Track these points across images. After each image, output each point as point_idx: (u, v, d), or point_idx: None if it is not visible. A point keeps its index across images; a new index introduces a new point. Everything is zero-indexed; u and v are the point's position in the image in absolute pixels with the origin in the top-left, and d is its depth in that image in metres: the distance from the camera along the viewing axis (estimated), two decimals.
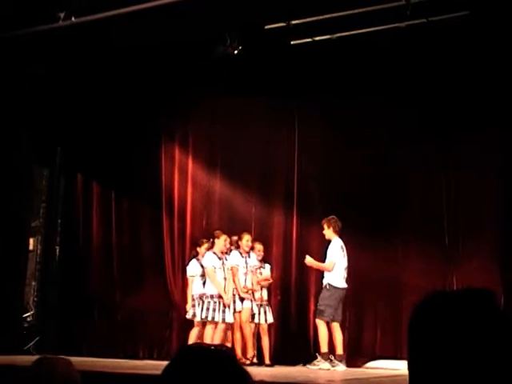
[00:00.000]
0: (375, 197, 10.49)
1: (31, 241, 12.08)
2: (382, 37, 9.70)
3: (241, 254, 10.25)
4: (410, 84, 10.30)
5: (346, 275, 9.68)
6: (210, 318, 9.63)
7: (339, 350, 9.32)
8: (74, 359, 2.64)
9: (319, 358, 9.37)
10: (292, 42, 10.27)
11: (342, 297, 9.58)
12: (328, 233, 9.78)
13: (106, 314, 11.76)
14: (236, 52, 10.38)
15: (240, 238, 10.32)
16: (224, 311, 9.69)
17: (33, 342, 11.31)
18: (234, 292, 10.03)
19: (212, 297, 9.75)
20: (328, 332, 9.44)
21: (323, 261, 9.76)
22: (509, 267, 9.93)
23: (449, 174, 10.35)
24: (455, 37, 9.59)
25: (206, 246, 10.32)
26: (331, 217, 9.88)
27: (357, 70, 10.40)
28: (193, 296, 10.07)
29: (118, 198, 12.13)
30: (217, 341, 9.46)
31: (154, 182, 11.89)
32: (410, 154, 10.48)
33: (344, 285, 9.63)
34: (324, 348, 9.35)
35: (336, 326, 9.44)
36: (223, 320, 9.67)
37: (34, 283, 12.03)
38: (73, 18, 9.23)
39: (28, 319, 11.83)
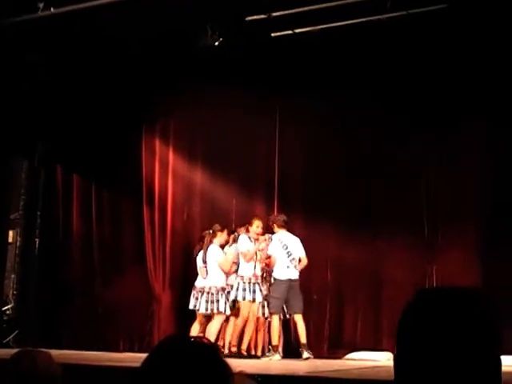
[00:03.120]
0: (356, 189, 10.53)
1: (10, 233, 12.03)
2: (363, 29, 9.71)
3: (249, 238, 10.04)
4: (392, 78, 10.32)
5: (292, 265, 9.62)
6: (220, 310, 9.67)
7: (302, 339, 9.38)
8: (53, 352, 2.64)
9: (270, 350, 9.45)
10: (273, 34, 10.26)
11: (290, 288, 9.52)
12: (275, 230, 9.86)
13: (86, 307, 11.74)
14: (217, 43, 10.35)
15: (250, 224, 10.12)
16: (224, 301, 9.76)
17: (12, 335, 11.27)
18: (245, 280, 9.91)
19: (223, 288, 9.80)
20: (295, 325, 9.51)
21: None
22: (488, 258, 10.00)
23: (429, 166, 10.39)
24: (434, 29, 9.62)
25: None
26: (273, 215, 10.00)
27: (337, 63, 10.41)
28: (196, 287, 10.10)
29: (99, 190, 12.10)
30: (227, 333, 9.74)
31: (135, 174, 11.86)
32: (391, 148, 10.51)
33: (288, 276, 9.55)
34: (274, 341, 9.41)
35: (297, 317, 9.47)
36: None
37: (13, 276, 11.98)
38: (52, 9, 9.17)
39: (7, 312, 11.78)
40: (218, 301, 9.73)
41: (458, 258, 9.89)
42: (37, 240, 12.22)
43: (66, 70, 11.17)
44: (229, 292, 9.87)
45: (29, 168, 12.32)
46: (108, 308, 11.47)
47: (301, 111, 10.89)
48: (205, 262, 9.96)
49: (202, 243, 10.34)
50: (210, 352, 1.61)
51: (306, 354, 9.18)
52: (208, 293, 9.80)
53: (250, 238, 10.01)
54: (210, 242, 10.07)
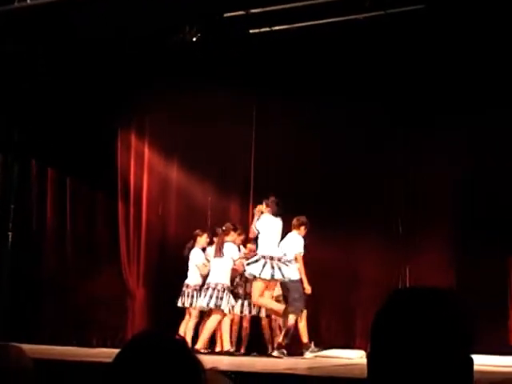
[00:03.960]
0: (331, 189, 10.55)
1: None
2: (341, 28, 9.73)
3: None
4: (369, 77, 10.35)
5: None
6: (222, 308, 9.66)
7: (304, 339, 9.49)
8: (26, 346, 2.61)
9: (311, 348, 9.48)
10: (251, 31, 10.25)
11: (283, 288, 9.61)
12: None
13: (59, 301, 11.66)
14: (194, 39, 10.33)
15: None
16: (229, 299, 9.72)
17: None
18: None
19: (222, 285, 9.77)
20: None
21: None
22: (461, 259, 10.10)
23: (405, 167, 10.45)
24: (413, 29, 9.66)
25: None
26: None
27: (315, 61, 10.43)
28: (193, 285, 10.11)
29: (73, 185, 12.02)
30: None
31: (110, 169, 11.81)
32: (368, 148, 10.55)
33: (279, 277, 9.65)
34: (305, 339, 9.49)
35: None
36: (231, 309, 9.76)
37: None
38: (28, 0, 9.10)
39: None
40: (221, 298, 9.68)
41: (431, 259, 9.98)
42: (10, 234, 12.12)
43: (44, 64, 11.07)
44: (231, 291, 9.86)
45: (3, 162, 12.20)
46: (81, 303, 11.40)
47: (278, 109, 10.90)
48: (221, 256, 9.88)
49: (193, 242, 10.35)
50: (182, 348, 1.60)
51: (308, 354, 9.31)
52: (216, 290, 9.73)
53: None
54: (223, 240, 9.99)
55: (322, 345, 9.74)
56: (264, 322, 10.15)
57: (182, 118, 11.37)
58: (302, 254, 9.53)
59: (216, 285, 9.75)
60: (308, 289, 9.39)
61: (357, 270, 10.29)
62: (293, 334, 9.35)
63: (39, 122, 12.04)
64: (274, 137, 11.03)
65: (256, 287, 9.33)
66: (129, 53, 10.65)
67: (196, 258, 10.26)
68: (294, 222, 9.74)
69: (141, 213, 11.77)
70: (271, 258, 9.22)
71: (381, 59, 10.16)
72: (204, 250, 10.43)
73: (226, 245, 9.96)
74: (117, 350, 1.63)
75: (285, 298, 9.56)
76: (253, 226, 9.62)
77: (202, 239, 10.34)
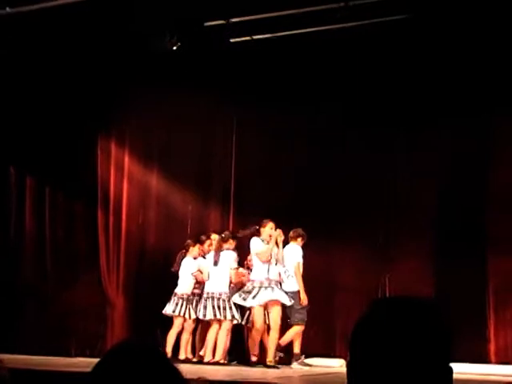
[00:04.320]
0: (311, 197, 10.58)
1: None
2: (321, 37, 9.78)
3: (262, 241, 9.64)
4: (350, 86, 10.40)
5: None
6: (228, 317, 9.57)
7: (296, 349, 9.50)
8: (3, 356, 2.59)
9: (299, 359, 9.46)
10: (231, 40, 10.27)
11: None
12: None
13: (37, 310, 11.55)
14: (175, 48, 10.33)
15: (263, 225, 9.68)
16: (231, 309, 9.60)
17: None
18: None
19: (220, 294, 9.68)
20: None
21: None
22: (441, 268, 10.16)
23: (386, 176, 10.50)
24: (394, 39, 9.74)
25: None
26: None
27: (295, 70, 10.47)
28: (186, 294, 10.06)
29: (53, 192, 11.93)
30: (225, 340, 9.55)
31: (90, 177, 11.74)
32: (348, 157, 10.59)
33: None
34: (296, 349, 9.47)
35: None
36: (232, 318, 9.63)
37: None
38: (7, 9, 9.06)
39: None
40: (224, 308, 9.60)
41: (411, 268, 10.05)
42: None
43: (24, 71, 11.01)
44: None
45: None
46: (60, 312, 11.31)
47: (258, 117, 10.92)
48: (217, 264, 9.78)
49: (185, 251, 10.29)
50: (161, 358, 1.59)
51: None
52: (216, 298, 9.64)
53: (262, 241, 9.80)
54: (221, 247, 9.91)
55: (303, 353, 9.73)
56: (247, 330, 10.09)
57: (162, 126, 11.36)
58: (300, 264, 9.53)
59: (219, 294, 9.66)
60: (304, 299, 9.39)
61: (337, 278, 10.31)
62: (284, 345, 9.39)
63: (18, 130, 11.94)
64: (254, 145, 11.05)
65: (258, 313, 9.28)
66: (109, 60, 10.63)
67: (190, 267, 10.18)
68: (291, 234, 9.74)
69: (120, 221, 11.72)
70: (267, 280, 9.21)
71: (360, 69, 10.22)
72: (195, 259, 10.38)
73: (224, 253, 9.87)
74: (96, 360, 1.62)
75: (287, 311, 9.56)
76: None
77: (195, 249, 10.27)
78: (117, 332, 11.15)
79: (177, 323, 10.08)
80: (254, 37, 10.16)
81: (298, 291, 9.45)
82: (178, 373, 1.60)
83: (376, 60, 10.09)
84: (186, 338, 10.03)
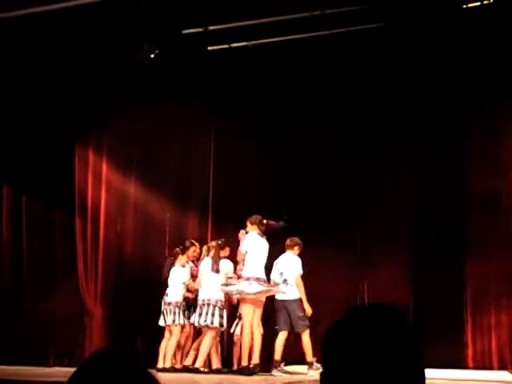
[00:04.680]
0: (290, 205, 10.55)
1: None
2: (298, 45, 9.83)
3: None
4: (328, 93, 10.45)
5: (284, 286, 9.60)
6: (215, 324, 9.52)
7: (309, 356, 9.42)
8: None
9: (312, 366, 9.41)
10: (209, 48, 10.29)
11: (279, 307, 9.53)
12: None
13: (15, 319, 11.46)
14: (153, 56, 10.33)
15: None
16: (222, 317, 9.58)
17: None
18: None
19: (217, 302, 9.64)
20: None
21: None
22: (418, 276, 10.23)
23: (364, 184, 10.54)
24: (370, 47, 9.82)
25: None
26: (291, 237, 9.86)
27: (273, 78, 10.50)
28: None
29: (30, 201, 11.86)
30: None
31: (67, 186, 11.68)
32: (325, 165, 10.61)
33: (276, 297, 9.54)
34: (309, 357, 9.40)
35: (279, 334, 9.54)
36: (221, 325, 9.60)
37: None
38: None
39: None
40: (220, 315, 9.56)
41: (389, 275, 10.10)
42: None
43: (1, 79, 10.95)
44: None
45: None
46: (38, 321, 11.23)
47: (236, 125, 10.91)
48: (217, 271, 9.71)
49: (173, 258, 10.24)
50: (138, 366, 1.59)
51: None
52: (212, 306, 9.55)
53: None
54: (219, 254, 9.82)
55: (283, 361, 9.73)
56: (236, 338, 10.05)
57: (140, 134, 11.31)
58: (301, 274, 9.55)
59: (215, 301, 9.58)
60: (308, 311, 9.39)
61: (316, 286, 10.28)
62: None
63: None
64: (233, 153, 11.03)
65: (246, 308, 9.21)
66: (88, 69, 10.60)
67: (181, 275, 10.14)
68: (288, 242, 9.71)
69: (98, 230, 11.66)
70: (257, 280, 9.10)
71: (338, 76, 10.26)
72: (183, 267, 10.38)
73: (223, 261, 9.80)
74: (73, 369, 1.62)
75: (277, 318, 9.52)
76: (240, 249, 9.42)
77: (183, 257, 10.22)
78: (95, 341, 11.09)
79: (176, 332, 10.02)
80: (232, 45, 10.19)
81: (299, 299, 9.43)
82: (154, 380, 1.60)
83: (350, 68, 10.15)
84: (175, 345, 9.97)
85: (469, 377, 9.09)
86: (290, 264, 9.58)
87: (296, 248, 9.69)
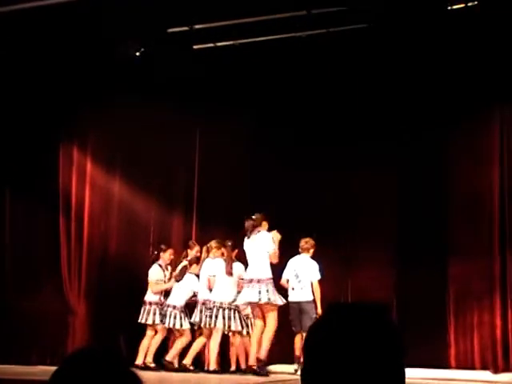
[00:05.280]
0: (275, 203, 10.57)
1: None
2: (284, 45, 9.84)
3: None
4: (314, 94, 10.47)
5: (291, 289, 9.67)
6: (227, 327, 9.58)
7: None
8: None
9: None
10: (195, 47, 10.28)
11: (295, 310, 9.55)
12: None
13: None
14: (138, 54, 10.31)
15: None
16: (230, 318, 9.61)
17: None
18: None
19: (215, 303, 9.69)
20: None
21: None
22: (401, 276, 10.28)
23: (349, 183, 10.57)
24: (354, 48, 9.85)
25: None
26: (305, 238, 9.85)
27: (259, 77, 10.50)
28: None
29: (13, 198, 11.78)
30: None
31: (51, 183, 11.62)
32: (312, 163, 10.63)
33: (294, 298, 9.59)
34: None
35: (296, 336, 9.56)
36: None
37: None
38: None
39: None
40: (224, 318, 9.63)
41: (373, 276, 10.16)
42: None
43: None
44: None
45: None
46: (20, 319, 11.16)
47: (222, 124, 10.90)
48: (231, 274, 9.70)
49: (188, 264, 10.25)
50: (120, 364, 1.59)
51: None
52: (228, 309, 9.59)
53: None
54: (231, 257, 9.81)
55: (266, 360, 9.74)
56: (233, 339, 10.03)
57: (125, 132, 11.27)
58: (319, 279, 9.61)
59: (228, 304, 9.60)
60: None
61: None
62: None
63: None
64: (218, 152, 11.04)
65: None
66: (73, 67, 10.55)
67: (192, 283, 10.19)
68: (303, 244, 9.74)
69: (82, 228, 11.61)
70: (258, 282, 9.02)
71: (324, 76, 10.29)
72: (166, 266, 10.39)
73: (236, 264, 9.79)
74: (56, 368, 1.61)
75: (292, 320, 9.56)
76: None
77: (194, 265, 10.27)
78: (78, 339, 11.04)
79: (187, 333, 10.06)
80: (218, 44, 10.19)
81: (313, 301, 9.49)
82: (136, 378, 1.60)
83: (335, 68, 10.18)
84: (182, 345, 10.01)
85: (451, 376, 9.15)
86: (308, 268, 9.64)
87: (312, 251, 9.71)
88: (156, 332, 10.25)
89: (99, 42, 9.96)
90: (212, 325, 9.56)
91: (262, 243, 9.11)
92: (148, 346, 10.14)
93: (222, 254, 9.89)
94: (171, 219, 11.61)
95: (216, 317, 9.53)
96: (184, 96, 10.84)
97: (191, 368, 9.77)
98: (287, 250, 9.64)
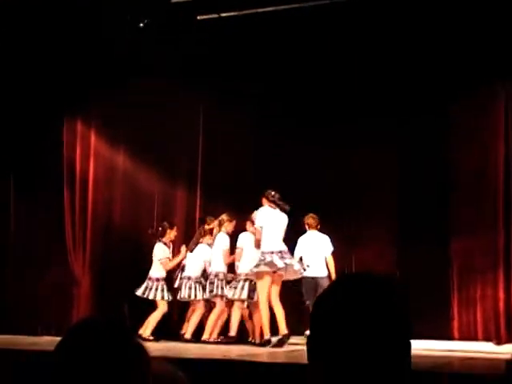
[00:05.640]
0: (278, 181, 10.52)
1: None
2: (291, 15, 9.73)
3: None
4: (320, 65, 10.39)
5: (310, 264, 9.64)
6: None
7: None
8: None
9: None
10: (198, 18, 10.20)
11: (311, 285, 9.60)
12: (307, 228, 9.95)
13: (2, 289, 11.47)
14: (142, 25, 10.24)
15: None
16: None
17: None
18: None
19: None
20: None
21: None
22: (405, 252, 10.32)
23: (350, 161, 10.55)
24: (357, 21, 9.76)
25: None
26: (310, 214, 9.92)
27: (264, 48, 10.40)
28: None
29: (17, 170, 11.80)
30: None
31: (55, 156, 11.63)
32: (313, 140, 10.60)
33: (312, 274, 9.61)
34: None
35: None
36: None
37: None
38: None
39: None
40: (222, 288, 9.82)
41: (376, 251, 10.22)
42: None
43: None
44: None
45: None
46: (26, 291, 11.23)
47: (226, 98, 10.84)
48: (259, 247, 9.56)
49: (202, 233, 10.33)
50: (126, 335, 1.59)
51: None
52: (249, 280, 9.63)
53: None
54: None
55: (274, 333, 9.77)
56: (245, 311, 10.08)
57: (128, 106, 11.24)
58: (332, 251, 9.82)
59: (245, 275, 9.62)
60: None
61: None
62: None
63: None
64: (222, 126, 10.99)
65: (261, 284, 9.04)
66: (75, 41, 10.47)
67: (206, 253, 10.22)
68: (311, 221, 9.87)
69: (87, 200, 11.64)
70: (271, 253, 8.89)
71: (331, 47, 10.18)
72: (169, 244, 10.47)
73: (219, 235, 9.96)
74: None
75: (305, 293, 9.69)
76: (256, 226, 9.21)
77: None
78: (83, 310, 11.10)
79: (201, 305, 10.14)
80: (222, 14, 10.10)
81: (328, 276, 9.66)
82: (141, 349, 1.59)
83: (337, 42, 10.08)
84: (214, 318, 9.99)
85: (454, 347, 9.19)
86: (321, 243, 9.84)
87: (318, 226, 9.85)
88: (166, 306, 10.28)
89: (103, 16, 9.87)
90: (237, 296, 9.65)
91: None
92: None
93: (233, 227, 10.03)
94: (175, 192, 11.62)
95: (242, 288, 9.60)
96: (187, 71, 10.76)
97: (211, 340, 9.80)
98: (292, 228, 9.62)
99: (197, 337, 9.87)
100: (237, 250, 9.84)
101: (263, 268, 8.84)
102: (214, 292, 9.81)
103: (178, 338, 9.96)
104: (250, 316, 9.96)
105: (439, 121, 10.29)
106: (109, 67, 10.83)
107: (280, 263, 8.76)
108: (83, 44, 10.58)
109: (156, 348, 8.12)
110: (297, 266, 9.07)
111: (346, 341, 1.43)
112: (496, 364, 6.36)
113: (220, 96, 10.82)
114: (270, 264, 8.78)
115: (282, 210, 9.10)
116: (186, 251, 10.33)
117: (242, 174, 10.79)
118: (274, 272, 8.85)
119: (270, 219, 9.03)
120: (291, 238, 9.57)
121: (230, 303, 9.89)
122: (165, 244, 10.43)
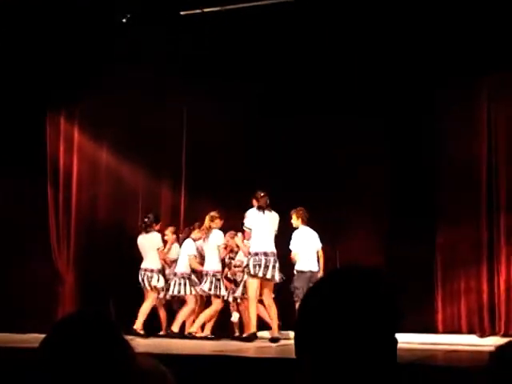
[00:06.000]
0: (264, 175, 10.53)
1: None
2: (275, 11, 9.71)
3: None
4: (305, 57, 10.37)
5: (312, 258, 9.71)
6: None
7: None
8: None
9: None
10: (181, 13, 10.17)
11: (309, 279, 9.54)
12: (296, 223, 9.83)
13: None
14: (124, 20, 10.19)
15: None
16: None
17: None
18: None
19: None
20: None
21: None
22: (390, 244, 10.35)
23: (338, 150, 10.55)
24: (343, 13, 9.75)
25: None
26: (299, 208, 9.87)
27: (247, 43, 10.39)
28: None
29: (1, 167, 11.73)
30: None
31: (39, 153, 11.58)
32: (301, 133, 10.62)
33: (309, 268, 9.64)
34: None
35: None
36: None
37: None
38: None
39: None
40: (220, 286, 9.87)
41: (360, 244, 10.24)
42: None
43: None
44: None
45: None
46: (10, 288, 11.18)
47: (210, 92, 10.81)
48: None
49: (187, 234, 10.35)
50: (111, 330, 1.59)
51: None
52: (212, 275, 9.77)
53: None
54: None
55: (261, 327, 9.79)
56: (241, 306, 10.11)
57: (111, 101, 11.17)
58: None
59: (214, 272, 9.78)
60: None
61: (288, 255, 10.31)
62: None
63: None
64: (207, 121, 10.95)
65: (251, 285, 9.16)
66: (59, 34, 10.42)
67: (188, 248, 10.25)
68: (305, 216, 9.81)
69: (70, 196, 11.61)
70: (265, 255, 9.05)
71: (314, 42, 10.17)
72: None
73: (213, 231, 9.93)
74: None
75: (298, 288, 9.55)
76: (244, 227, 9.33)
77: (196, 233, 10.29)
78: (67, 307, 11.07)
79: (190, 300, 10.15)
80: (205, 9, 10.08)
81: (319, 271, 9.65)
82: (127, 346, 1.60)
83: (322, 33, 10.06)
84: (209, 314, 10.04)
85: (439, 340, 9.25)
86: (313, 238, 9.81)
87: (307, 221, 9.85)
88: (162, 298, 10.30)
89: (86, 9, 9.83)
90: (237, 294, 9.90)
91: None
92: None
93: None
94: (159, 187, 11.60)
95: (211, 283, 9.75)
96: (171, 64, 10.72)
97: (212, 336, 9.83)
98: (282, 220, 9.63)
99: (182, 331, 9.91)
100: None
101: (256, 271, 9.01)
102: (213, 292, 9.81)
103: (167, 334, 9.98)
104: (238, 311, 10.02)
105: (427, 111, 10.29)
106: (92, 61, 10.77)
107: (269, 274, 9.03)
108: (66, 40, 10.53)
109: (145, 343, 8.14)
110: (277, 276, 9.19)
111: (334, 333, 1.43)
112: (480, 356, 6.41)
113: (205, 92, 10.78)
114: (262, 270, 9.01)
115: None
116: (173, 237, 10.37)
117: (228, 167, 10.78)
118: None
119: (259, 220, 9.11)
120: (283, 232, 9.62)
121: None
122: (159, 232, 10.34)
